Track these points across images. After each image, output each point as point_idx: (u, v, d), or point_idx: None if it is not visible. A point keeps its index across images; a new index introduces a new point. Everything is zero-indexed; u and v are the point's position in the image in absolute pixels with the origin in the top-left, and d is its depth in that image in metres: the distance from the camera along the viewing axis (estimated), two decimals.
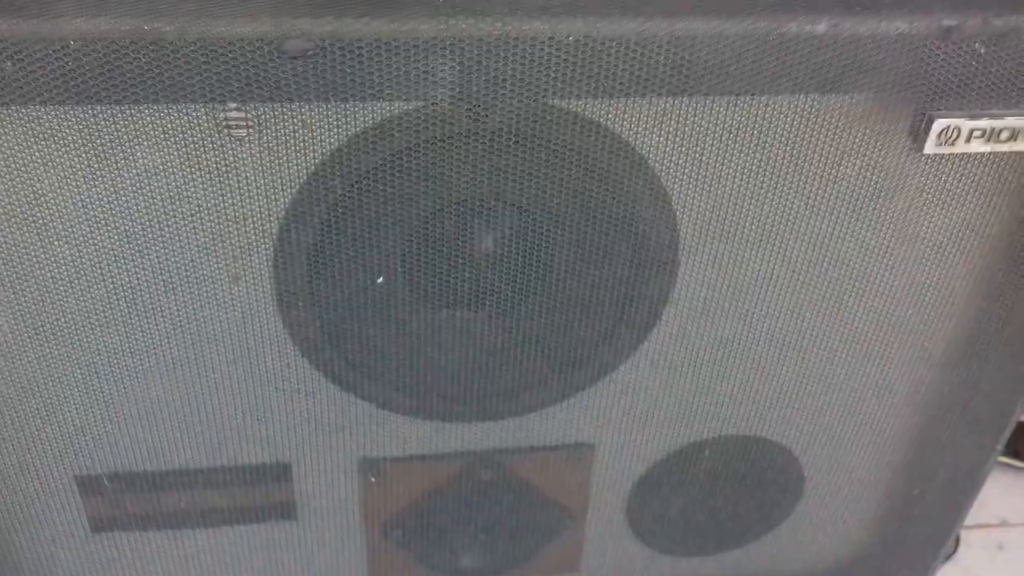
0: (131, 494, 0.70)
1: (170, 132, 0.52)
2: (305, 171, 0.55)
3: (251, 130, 0.52)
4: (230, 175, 0.54)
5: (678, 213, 0.60)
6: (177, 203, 0.56)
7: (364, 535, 0.76)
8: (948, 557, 1.51)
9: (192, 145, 0.53)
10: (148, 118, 0.52)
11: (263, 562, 0.76)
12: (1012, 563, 1.52)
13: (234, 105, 0.51)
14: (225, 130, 0.52)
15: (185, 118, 0.52)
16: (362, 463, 0.71)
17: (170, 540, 0.74)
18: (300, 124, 0.53)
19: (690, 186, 0.59)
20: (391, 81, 0.51)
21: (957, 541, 1.55)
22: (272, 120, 0.52)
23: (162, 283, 0.59)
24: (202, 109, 0.51)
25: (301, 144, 0.54)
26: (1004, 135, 0.57)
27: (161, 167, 0.54)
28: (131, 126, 0.52)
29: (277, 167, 0.54)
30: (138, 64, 0.48)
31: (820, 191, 0.60)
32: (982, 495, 1.68)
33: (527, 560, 0.80)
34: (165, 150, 0.53)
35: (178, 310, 0.61)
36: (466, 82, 0.51)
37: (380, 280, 0.60)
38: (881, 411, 0.73)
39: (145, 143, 0.53)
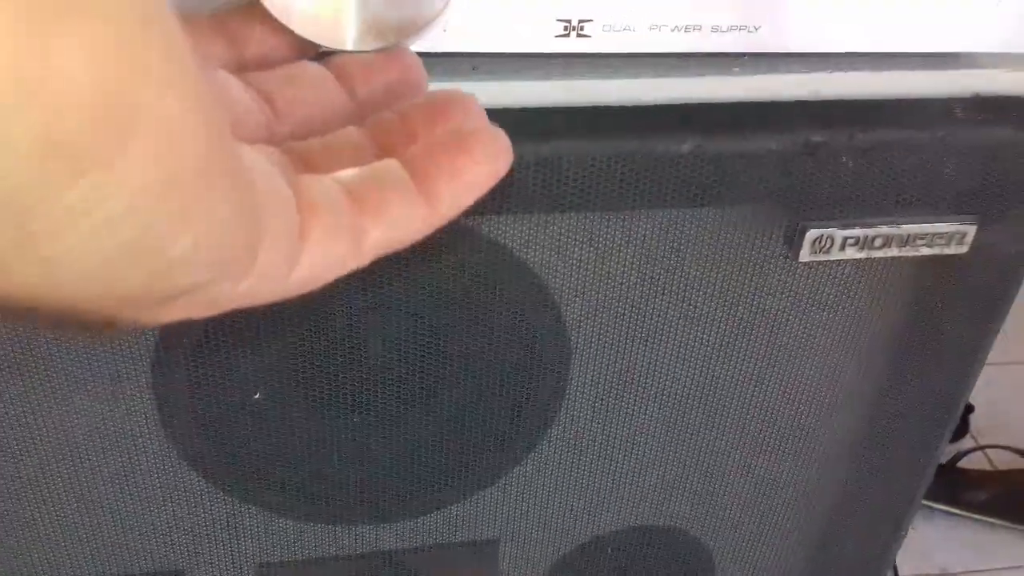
0: None
1: None
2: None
3: None
4: None
5: (568, 320, 0.60)
6: None
7: None
8: None
9: None
10: None
11: None
12: None
13: None
14: None
15: None
16: (258, 569, 0.70)
17: None
18: None
19: (578, 296, 0.59)
20: None
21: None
22: None
23: (36, 408, 0.58)
24: None
25: None
26: (878, 242, 0.57)
27: None
28: None
29: None
30: None
31: (700, 299, 0.60)
32: (922, 543, 1.70)
33: None
34: None
35: (54, 427, 0.59)
36: None
37: (257, 396, 0.59)
38: (779, 503, 0.73)
39: None
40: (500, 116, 0.50)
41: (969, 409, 1.82)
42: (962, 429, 1.80)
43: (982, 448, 1.75)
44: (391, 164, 0.32)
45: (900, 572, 1.58)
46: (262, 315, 0.57)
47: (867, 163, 0.54)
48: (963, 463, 1.74)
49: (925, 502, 1.65)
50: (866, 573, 0.77)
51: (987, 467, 1.74)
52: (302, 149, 0.33)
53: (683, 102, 0.53)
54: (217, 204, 0.23)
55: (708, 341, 0.62)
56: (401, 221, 0.31)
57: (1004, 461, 1.75)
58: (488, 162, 0.32)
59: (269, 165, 0.28)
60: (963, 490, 1.68)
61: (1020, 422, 1.85)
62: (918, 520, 1.66)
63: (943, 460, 1.79)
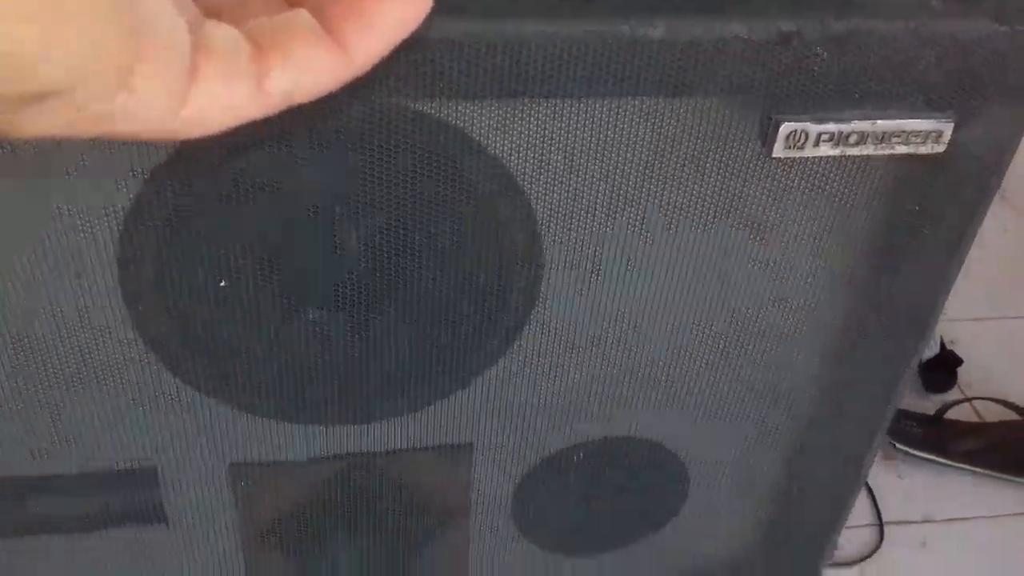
0: None
1: None
2: (142, 169, 0.54)
3: None
4: (55, 159, 0.53)
5: (538, 213, 0.60)
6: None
7: (239, 540, 0.75)
8: (871, 554, 1.53)
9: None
10: None
11: (138, 569, 0.75)
12: (935, 559, 1.54)
13: None
14: None
15: None
16: (231, 468, 0.71)
17: (38, 547, 0.73)
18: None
19: (548, 188, 0.59)
20: None
21: (881, 537, 1.57)
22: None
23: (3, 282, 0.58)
24: None
25: (130, 148, 0.53)
26: (852, 139, 0.57)
27: None
28: None
29: (112, 161, 0.53)
30: None
31: (676, 193, 0.59)
32: (907, 491, 1.71)
33: (413, 561, 0.80)
34: None
35: (21, 308, 0.59)
36: None
37: (223, 284, 0.59)
38: (755, 411, 0.73)
39: None
40: None
41: (957, 362, 1.82)
42: (950, 381, 1.81)
43: (969, 400, 1.75)
44: (299, 11, 0.32)
45: (885, 519, 1.59)
46: (230, 201, 0.57)
47: (841, 54, 0.54)
48: (950, 414, 1.74)
49: (913, 451, 1.66)
50: (842, 479, 0.77)
51: (974, 419, 1.75)
52: (212, 3, 0.33)
53: None
54: (77, 10, 0.23)
55: (681, 240, 0.62)
56: (308, 64, 0.31)
57: (991, 413, 1.75)
58: (397, 5, 0.32)
59: (168, 3, 0.28)
60: (949, 441, 1.69)
61: (1007, 375, 1.85)
62: (904, 469, 1.67)
63: (930, 411, 1.80)
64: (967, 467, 1.70)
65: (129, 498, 0.70)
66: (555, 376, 0.70)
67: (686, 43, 0.51)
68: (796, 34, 0.52)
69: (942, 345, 1.79)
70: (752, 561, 0.85)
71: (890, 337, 0.70)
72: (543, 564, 0.82)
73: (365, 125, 0.54)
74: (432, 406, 0.70)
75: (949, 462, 1.70)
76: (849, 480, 0.78)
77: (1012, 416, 1.74)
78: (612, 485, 0.78)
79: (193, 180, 0.55)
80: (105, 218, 0.56)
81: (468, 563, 0.80)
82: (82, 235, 0.56)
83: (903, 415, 1.71)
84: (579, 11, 0.50)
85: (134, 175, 0.55)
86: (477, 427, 0.72)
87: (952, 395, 1.79)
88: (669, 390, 0.71)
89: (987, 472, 1.69)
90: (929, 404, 1.76)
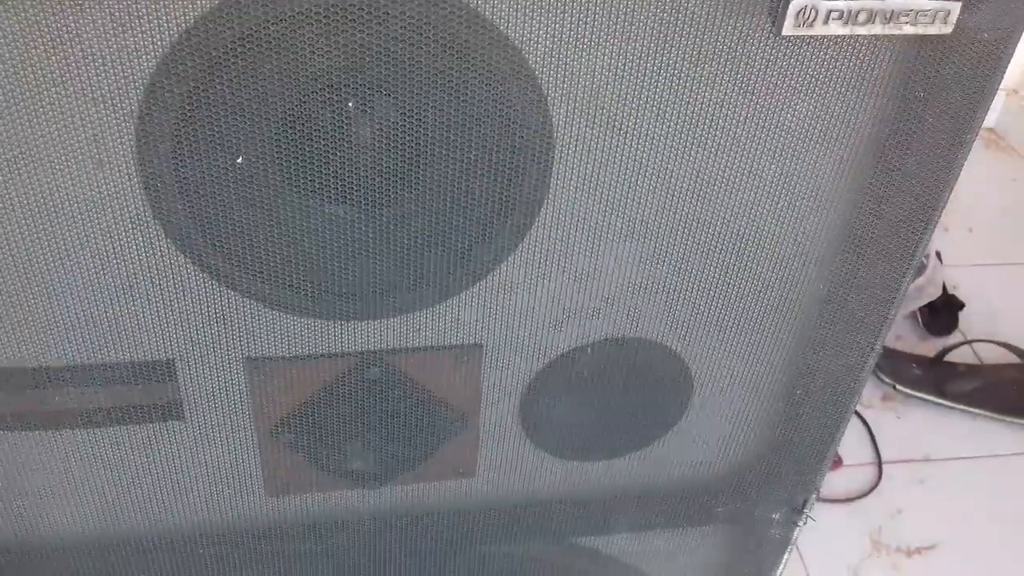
0: (8, 392, 0.70)
1: None
2: (159, 49, 0.55)
3: None
4: (73, 46, 0.54)
5: (550, 99, 0.61)
6: (20, 76, 0.55)
7: (255, 436, 0.76)
8: (869, 491, 1.55)
9: (27, 11, 0.52)
10: None
11: (152, 462, 0.76)
12: (933, 496, 1.56)
13: None
14: None
15: None
16: (247, 362, 0.72)
17: (53, 441, 0.74)
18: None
19: (559, 69, 0.59)
20: None
21: (880, 475, 1.59)
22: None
23: (17, 166, 0.58)
24: None
25: (151, 15, 0.53)
26: (862, 17, 0.58)
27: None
28: None
29: (127, 42, 0.54)
30: None
31: (687, 76, 0.60)
32: (908, 431, 1.73)
33: (422, 462, 0.81)
34: None
35: (39, 197, 0.60)
36: None
37: (240, 161, 0.60)
38: (759, 308, 0.74)
39: None
40: None
41: (959, 305, 1.84)
42: (951, 324, 1.82)
43: (969, 342, 1.77)
44: None
45: (884, 457, 1.61)
46: (247, 84, 0.57)
47: None
48: (950, 357, 1.76)
49: (912, 392, 1.68)
50: (842, 383, 0.78)
51: (974, 362, 1.76)
52: None
53: None
54: None
55: (692, 123, 0.63)
56: None
57: (991, 356, 1.77)
58: None
59: None
60: (949, 382, 1.71)
61: (1008, 319, 1.87)
62: (904, 409, 1.69)
63: (931, 354, 1.82)
64: (965, 408, 1.72)
65: (145, 391, 0.72)
66: (565, 273, 0.71)
67: None
68: None
69: (944, 289, 1.80)
70: (753, 468, 0.87)
71: (894, 229, 0.71)
72: (549, 465, 0.84)
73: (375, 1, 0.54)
74: (443, 304, 0.71)
75: (948, 403, 1.72)
76: (849, 382, 0.79)
77: (1012, 359, 1.75)
78: (617, 388, 0.80)
79: (210, 57, 0.56)
80: (123, 99, 0.57)
81: (476, 461, 0.81)
82: (101, 117, 0.57)
83: (904, 356, 1.73)
84: None
85: (152, 50, 0.55)
86: (487, 327, 0.73)
87: (953, 338, 1.81)
88: (677, 289, 0.72)
89: (985, 413, 1.71)
90: (930, 347, 1.78)
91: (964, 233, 2.04)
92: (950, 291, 1.85)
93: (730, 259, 0.71)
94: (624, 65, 0.59)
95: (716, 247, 0.70)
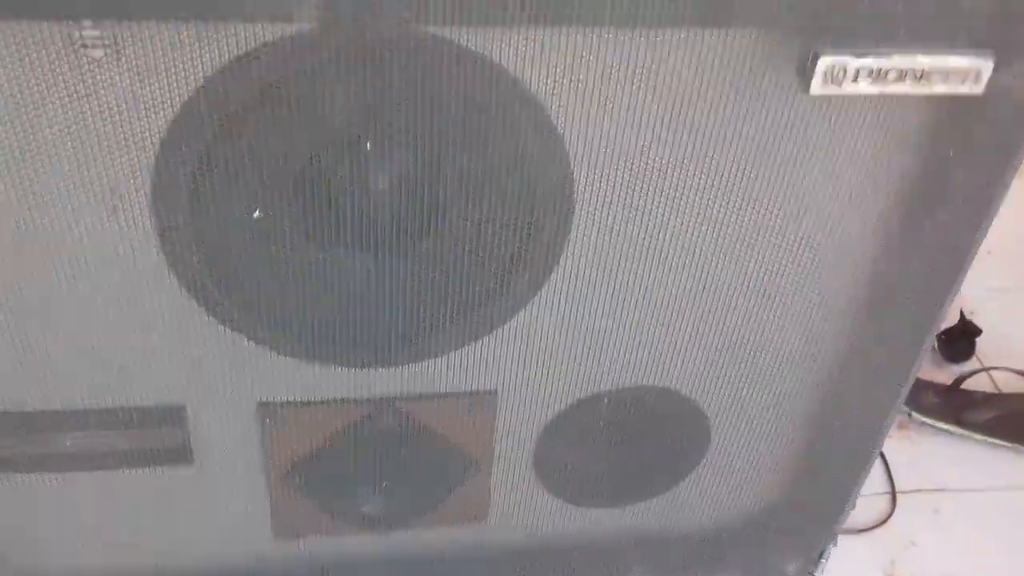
0: (20, 435, 0.69)
1: (21, 50, 0.50)
2: (177, 99, 0.54)
3: (108, 50, 0.51)
4: (91, 100, 0.53)
5: (570, 152, 0.60)
6: (40, 128, 0.54)
7: (265, 481, 0.75)
8: (883, 521, 1.53)
9: (47, 66, 0.51)
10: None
11: (163, 507, 0.76)
12: (949, 528, 1.54)
13: (88, 23, 0.49)
14: (80, 49, 0.50)
15: (37, 35, 0.50)
16: (259, 408, 0.71)
17: (64, 483, 0.73)
18: (165, 46, 0.51)
19: (580, 123, 0.58)
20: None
21: (894, 505, 1.57)
22: (132, 41, 0.51)
23: (33, 212, 0.58)
24: (55, 26, 0.49)
25: (168, 70, 0.52)
26: (891, 76, 0.56)
27: (15, 89, 0.52)
28: None
29: (145, 93, 0.53)
30: None
31: (710, 132, 0.59)
32: (922, 461, 1.70)
33: (434, 508, 0.80)
34: (18, 70, 0.51)
35: (53, 241, 0.59)
36: (333, 2, 0.50)
37: (257, 214, 0.59)
38: (780, 362, 0.73)
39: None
40: None
41: (976, 332, 1.81)
42: (968, 351, 1.80)
43: (987, 370, 1.74)
44: None
45: (898, 487, 1.59)
46: (262, 133, 0.56)
47: None
48: (967, 384, 1.73)
49: (928, 421, 1.66)
50: (863, 435, 0.77)
51: (991, 389, 1.74)
52: None
53: None
54: None
55: (715, 180, 0.61)
56: None
57: (1008, 384, 1.74)
58: None
59: None
60: (966, 410, 1.68)
61: None
62: (920, 438, 1.67)
63: (947, 381, 1.80)
64: (982, 437, 1.69)
65: (156, 436, 0.71)
66: (582, 323, 0.69)
67: None
68: None
69: (961, 315, 1.78)
70: (770, 518, 0.85)
71: (919, 285, 0.69)
72: (562, 511, 0.83)
73: (395, 52, 0.53)
74: (458, 351, 0.70)
75: (964, 432, 1.69)
76: (870, 436, 0.77)
77: None
78: (633, 435, 0.78)
79: (227, 110, 0.55)
80: (141, 149, 0.56)
81: (488, 507, 0.80)
82: (118, 167, 0.56)
83: (920, 384, 1.70)
84: None
85: (170, 103, 0.54)
86: (502, 374, 0.72)
87: (970, 365, 1.79)
88: (695, 338, 0.71)
89: (1002, 442, 1.68)
90: (946, 374, 1.76)
91: (982, 257, 2.01)
92: (967, 317, 1.83)
93: (750, 312, 0.69)
94: (648, 122, 0.58)
95: (736, 300, 0.69)
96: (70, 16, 0.49)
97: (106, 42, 0.50)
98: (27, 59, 0.51)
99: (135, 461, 0.72)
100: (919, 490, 1.61)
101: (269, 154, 0.57)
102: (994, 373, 1.81)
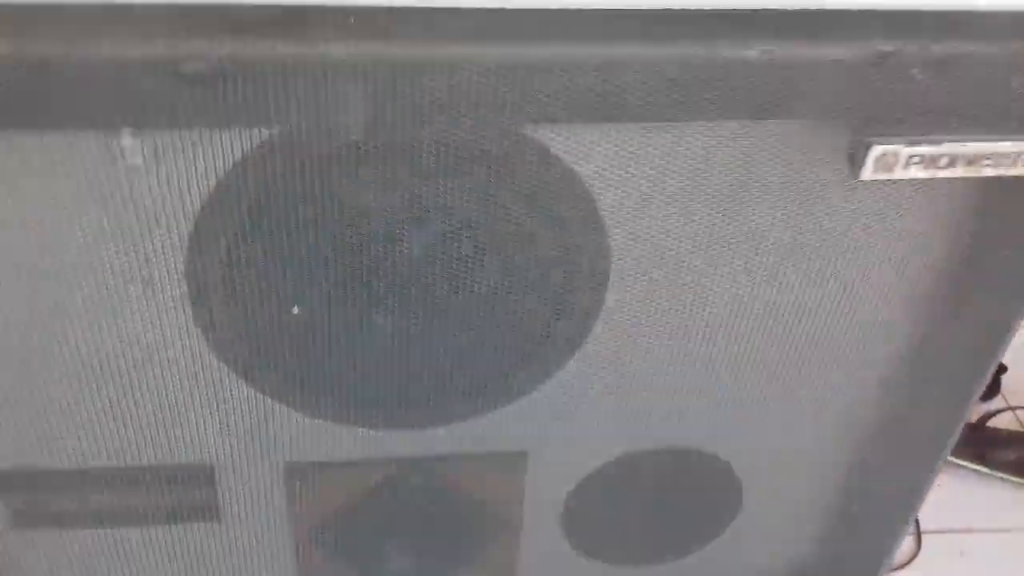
0: (53, 491, 0.69)
1: (60, 159, 0.50)
2: (210, 181, 0.53)
3: (147, 158, 0.50)
4: (127, 204, 0.52)
5: (610, 231, 0.59)
6: (76, 227, 0.54)
7: (292, 540, 0.75)
8: (908, 562, 1.51)
9: (85, 174, 0.51)
10: (35, 145, 0.49)
11: (189, 564, 0.75)
12: (973, 569, 1.52)
13: (128, 131, 0.48)
14: (120, 159, 0.50)
15: (75, 146, 0.49)
16: (288, 467, 0.70)
17: (93, 539, 0.73)
18: (193, 146, 0.50)
19: (623, 207, 0.57)
20: (297, 107, 0.48)
21: (919, 546, 1.55)
22: (172, 147, 0.50)
23: (73, 289, 0.57)
24: (92, 136, 0.49)
25: (201, 163, 0.52)
26: (943, 161, 0.55)
27: (53, 198, 0.52)
28: (15, 155, 0.50)
29: (179, 183, 0.52)
30: (20, 87, 0.45)
31: (757, 217, 0.58)
32: (947, 500, 1.68)
33: (462, 567, 0.79)
34: (55, 178, 0.51)
35: (92, 314, 0.59)
36: (379, 108, 0.49)
37: (296, 310, 0.59)
38: (818, 430, 0.72)
39: (34, 171, 0.50)
40: (557, 18, 0.48)
41: (1001, 369, 1.79)
42: (993, 389, 1.78)
43: (1012, 409, 1.72)
44: None
45: (923, 527, 1.57)
46: (299, 205, 0.56)
47: (937, 76, 0.52)
48: (993, 423, 1.71)
49: (953, 459, 1.64)
50: (900, 501, 0.76)
51: (1017, 428, 1.72)
52: None
53: (750, 8, 0.51)
54: None
55: (759, 262, 0.61)
56: None
57: None
58: None
59: None
60: (991, 449, 1.66)
61: None
62: (944, 477, 1.64)
63: (972, 419, 1.77)
64: (1008, 477, 1.67)
65: (184, 495, 0.70)
66: (613, 390, 0.69)
67: (781, 65, 0.50)
68: (893, 55, 0.51)
69: None
70: None
71: (961, 358, 0.68)
72: (590, 573, 0.82)
73: (446, 137, 0.53)
74: (490, 414, 0.69)
75: (990, 471, 1.67)
76: (907, 501, 0.76)
77: None
78: (665, 497, 0.78)
79: (263, 184, 0.54)
80: (176, 220, 0.55)
81: (516, 569, 0.80)
82: (153, 237, 0.56)
83: None
84: (673, 33, 0.49)
85: (206, 177, 0.54)
86: (532, 437, 0.71)
87: (995, 403, 1.77)
88: (731, 405, 0.70)
89: None
90: (972, 412, 1.74)
91: None
92: None
93: (788, 381, 0.68)
94: (692, 207, 0.57)
95: (774, 369, 0.68)
96: (109, 126, 0.48)
97: (144, 150, 0.50)
98: (65, 169, 0.50)
99: (163, 519, 0.72)
100: (945, 531, 1.59)
101: (306, 226, 0.57)
102: (1020, 412, 1.79)
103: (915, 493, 0.76)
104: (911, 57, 0.51)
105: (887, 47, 0.51)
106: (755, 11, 0.51)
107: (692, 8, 0.50)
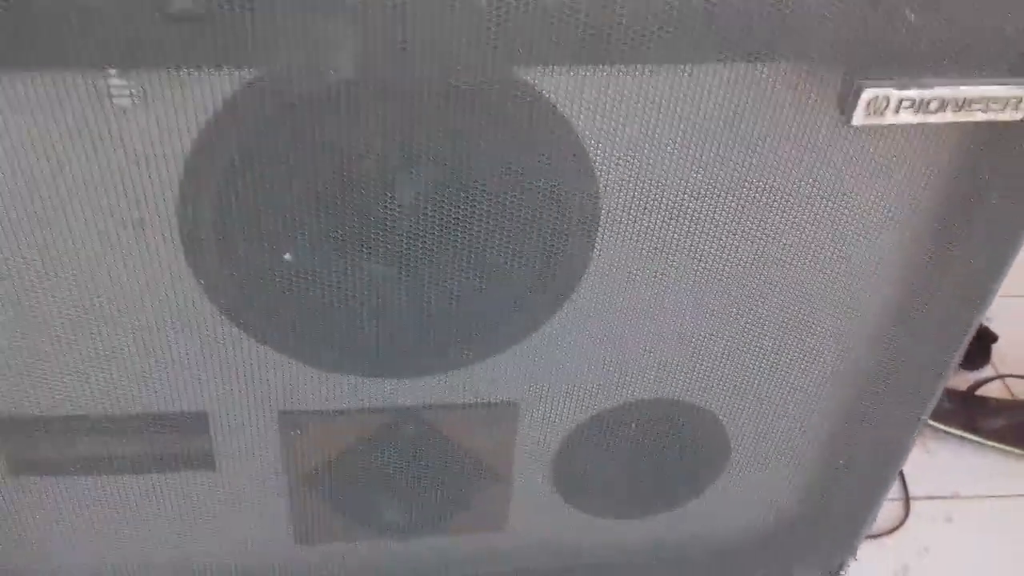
0: (48, 438, 0.69)
1: (47, 100, 0.50)
2: (200, 119, 0.53)
3: (136, 99, 0.50)
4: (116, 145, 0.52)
5: (601, 177, 0.59)
6: (66, 169, 0.54)
7: (286, 488, 0.75)
8: (896, 528, 1.53)
9: (73, 115, 0.50)
10: (22, 85, 0.49)
11: (184, 511, 0.76)
12: (962, 536, 1.53)
13: (114, 71, 0.48)
14: (107, 99, 0.49)
15: (63, 86, 0.49)
16: (282, 416, 0.71)
17: (89, 486, 0.73)
18: (182, 87, 0.50)
19: (614, 153, 0.57)
20: (286, 48, 0.48)
21: (907, 512, 1.56)
22: (160, 86, 0.50)
23: (64, 233, 0.57)
24: (80, 76, 0.49)
25: (190, 103, 0.52)
26: (933, 105, 0.55)
27: (41, 137, 0.52)
28: (1, 96, 0.50)
29: (171, 113, 0.52)
30: (3, 24, 0.45)
31: (746, 163, 0.58)
32: (937, 468, 1.69)
33: (452, 517, 0.80)
34: (43, 119, 0.51)
35: (83, 257, 0.59)
36: (369, 50, 0.49)
37: (288, 256, 0.59)
38: (807, 381, 0.72)
39: (21, 112, 0.50)
40: None
41: (992, 338, 1.80)
42: (983, 358, 1.79)
43: (1002, 377, 1.73)
44: None
45: (911, 494, 1.58)
46: (290, 145, 0.56)
47: (929, 17, 0.52)
48: (982, 391, 1.72)
49: (942, 427, 1.65)
50: (886, 453, 0.76)
51: (1007, 396, 1.73)
52: None
53: None
54: None
55: (749, 209, 0.61)
56: None
57: (1023, 390, 1.73)
58: None
59: None
60: (981, 417, 1.67)
61: None
62: (934, 445, 1.66)
63: (962, 388, 1.78)
64: (997, 444, 1.68)
65: (179, 442, 0.71)
66: (604, 340, 0.69)
67: (772, 5, 0.50)
68: None
69: None
70: (790, 531, 0.85)
71: (950, 304, 0.69)
72: (579, 524, 0.83)
73: (432, 78, 0.53)
74: (481, 362, 0.69)
75: (979, 439, 1.68)
76: (892, 456, 0.77)
77: None
78: (652, 448, 0.78)
79: (253, 126, 0.54)
80: (166, 161, 0.55)
81: (507, 519, 0.80)
82: (144, 179, 0.56)
83: None
84: None
85: (195, 118, 0.54)
86: (523, 387, 0.72)
87: (985, 372, 1.77)
88: (722, 356, 0.71)
89: (1016, 450, 1.67)
90: (961, 380, 1.75)
91: None
92: (984, 324, 1.81)
93: (781, 334, 0.69)
94: (682, 150, 0.57)
95: (764, 316, 0.68)
96: (97, 66, 0.48)
97: (133, 91, 0.49)
98: (53, 109, 0.50)
99: (157, 466, 0.72)
100: (933, 497, 1.61)
101: (296, 168, 0.57)
102: (1009, 380, 1.80)
103: (900, 446, 0.77)
104: None
105: None
106: None
107: None
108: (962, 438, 1.68)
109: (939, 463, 1.63)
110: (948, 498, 1.60)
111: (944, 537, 1.53)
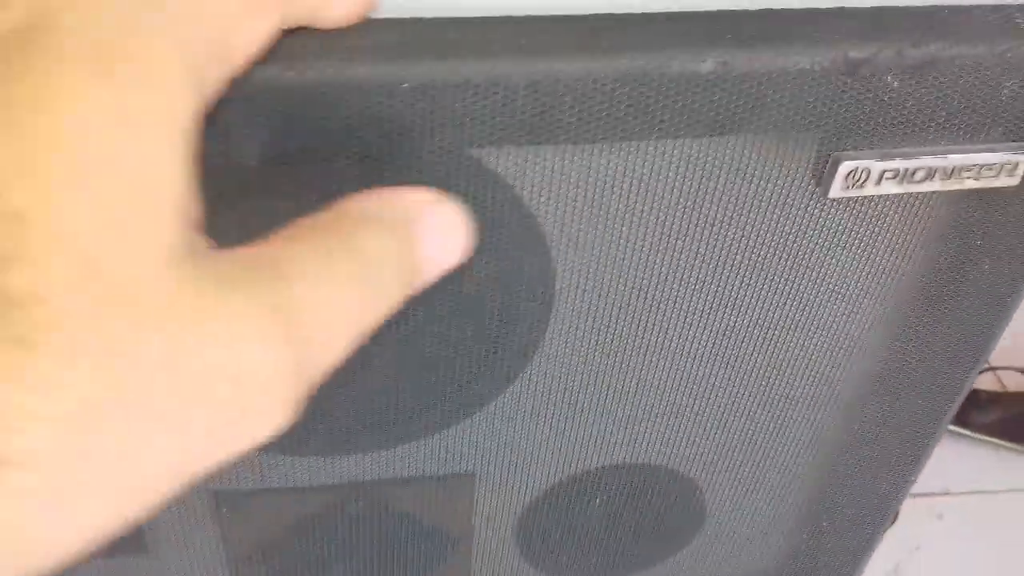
0: None
1: None
2: None
3: None
4: None
5: (555, 255, 0.53)
6: None
7: (228, 569, 0.70)
8: (887, 527, 1.49)
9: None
10: None
11: None
12: (953, 533, 1.50)
13: None
14: None
15: None
16: (216, 496, 0.65)
17: None
18: None
19: (568, 231, 0.51)
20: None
21: (897, 510, 1.53)
22: None
23: None
24: None
25: None
26: (919, 175, 0.50)
27: None
28: None
29: None
30: None
31: (714, 239, 0.52)
32: (927, 462, 1.65)
33: None
34: None
35: None
36: (287, 132, 0.43)
37: None
38: (783, 448, 0.67)
39: None
40: (482, 28, 0.42)
41: None
42: None
43: (993, 369, 1.70)
44: None
45: None
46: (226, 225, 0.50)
47: (915, 84, 0.46)
48: (973, 384, 1.68)
49: None
50: (872, 514, 0.72)
51: (997, 389, 1.69)
52: None
53: (703, 10, 0.44)
54: None
55: (716, 283, 0.55)
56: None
57: (1015, 383, 1.70)
58: None
59: None
60: (972, 411, 1.64)
61: None
62: None
63: None
64: (988, 438, 1.65)
65: None
66: (564, 405, 0.64)
67: (737, 77, 0.43)
68: (866, 62, 0.45)
69: None
70: None
71: (938, 372, 0.63)
72: None
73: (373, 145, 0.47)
74: (432, 436, 0.64)
75: (969, 433, 1.65)
76: (878, 516, 0.72)
77: None
78: (624, 512, 0.73)
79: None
80: None
81: None
82: None
83: None
84: (613, 44, 0.42)
85: None
86: (481, 456, 0.66)
87: None
88: (689, 424, 0.65)
89: (1008, 444, 1.64)
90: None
91: None
92: None
93: (753, 405, 0.63)
94: (640, 225, 0.51)
95: (735, 391, 0.63)
96: None
97: None
98: None
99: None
100: (923, 494, 1.57)
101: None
102: (1000, 373, 1.76)
103: (884, 511, 0.72)
104: (886, 63, 0.45)
105: (859, 53, 0.45)
106: (709, 14, 0.44)
107: (636, 12, 0.44)
108: (953, 432, 1.64)
109: (930, 458, 1.60)
110: (939, 495, 1.57)
111: (936, 534, 1.50)
